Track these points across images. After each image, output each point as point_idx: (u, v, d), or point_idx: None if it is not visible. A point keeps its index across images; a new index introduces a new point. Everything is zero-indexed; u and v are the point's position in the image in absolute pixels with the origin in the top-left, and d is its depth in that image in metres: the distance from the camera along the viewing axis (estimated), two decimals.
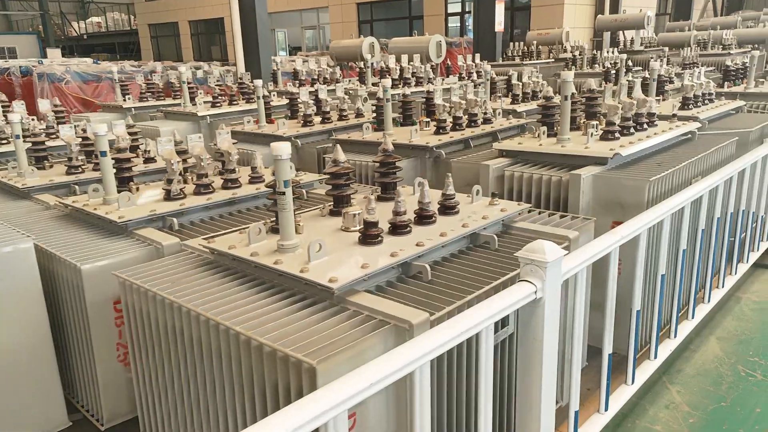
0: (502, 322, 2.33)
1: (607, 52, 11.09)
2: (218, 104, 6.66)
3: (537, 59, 13.02)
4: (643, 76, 5.44)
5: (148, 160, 4.09)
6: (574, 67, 10.98)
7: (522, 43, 13.75)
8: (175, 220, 2.97)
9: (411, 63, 8.32)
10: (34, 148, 4.14)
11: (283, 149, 2.15)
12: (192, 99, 6.74)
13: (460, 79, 8.77)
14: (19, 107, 5.42)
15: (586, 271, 2.33)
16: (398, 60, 8.46)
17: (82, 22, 37.25)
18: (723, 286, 3.98)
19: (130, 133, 4.37)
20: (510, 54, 13.44)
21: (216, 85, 7.48)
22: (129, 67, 13.15)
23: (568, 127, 3.74)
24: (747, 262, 4.36)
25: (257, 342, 1.81)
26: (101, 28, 36.91)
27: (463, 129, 4.62)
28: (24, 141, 4.02)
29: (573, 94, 4.12)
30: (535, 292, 1.98)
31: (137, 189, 3.33)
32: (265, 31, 12.83)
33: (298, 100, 5.56)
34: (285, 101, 6.16)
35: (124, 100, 7.50)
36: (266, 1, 12.96)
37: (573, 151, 3.58)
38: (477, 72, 9.20)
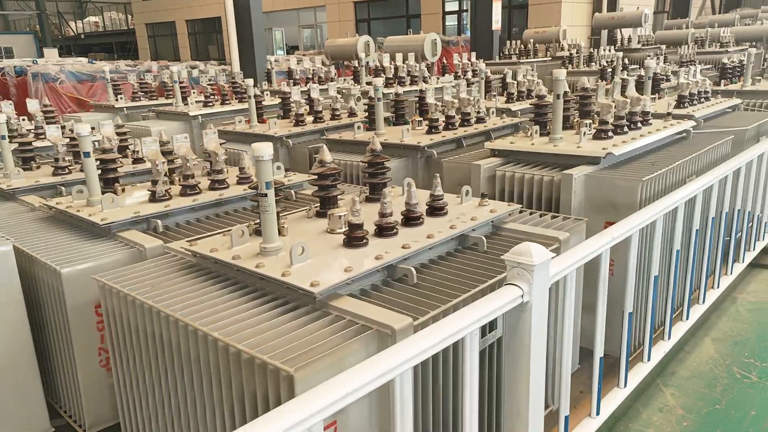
0: (491, 326, 2.28)
1: (604, 50, 11.03)
2: (210, 104, 6.61)
3: (534, 58, 12.97)
4: (638, 75, 5.40)
5: (137, 160, 4.05)
6: (570, 65, 10.93)
7: (519, 41, 13.70)
8: (159, 222, 2.92)
9: (406, 62, 8.26)
10: (21, 149, 4.08)
11: (265, 150, 2.10)
12: (184, 99, 6.68)
13: (456, 77, 8.71)
14: (6, 107, 5.36)
15: (575, 273, 2.28)
16: (393, 59, 8.40)
17: (80, 22, 37.17)
18: (718, 287, 3.93)
19: (119, 133, 4.32)
20: (507, 52, 13.39)
21: (208, 85, 7.42)
22: (124, 67, 13.08)
23: (561, 126, 3.69)
24: (743, 262, 4.32)
25: (235, 348, 1.76)
26: (99, 28, 36.85)
27: (456, 128, 4.57)
28: (11, 141, 3.97)
29: (566, 92, 4.08)
30: (522, 296, 1.94)
31: (123, 190, 3.28)
32: (260, 30, 12.77)
33: (291, 99, 5.51)
34: (278, 101, 6.11)
35: (117, 100, 7.45)
36: (261, 0, 12.91)
37: (565, 151, 3.53)
38: (473, 71, 9.15)
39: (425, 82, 7.79)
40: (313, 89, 5.53)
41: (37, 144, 4.50)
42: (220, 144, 3.54)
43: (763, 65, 10.69)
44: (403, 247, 2.27)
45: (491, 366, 2.35)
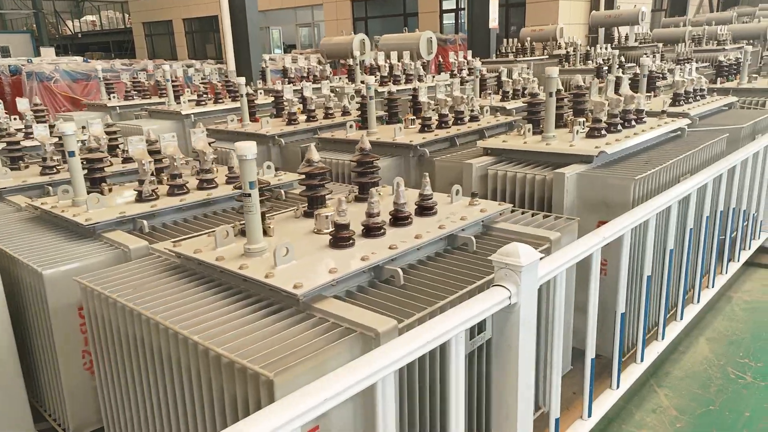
0: (480, 327, 2.25)
1: (601, 48, 10.99)
2: (203, 103, 6.56)
3: (531, 56, 12.93)
4: (633, 73, 5.36)
5: (127, 160, 4.00)
6: (567, 63, 10.89)
7: (516, 39, 13.66)
8: (145, 222, 2.88)
9: (401, 60, 8.22)
10: (9, 149, 4.04)
11: (248, 149, 2.06)
12: (177, 98, 6.63)
13: (452, 76, 8.67)
14: None
15: (565, 274, 2.24)
16: (388, 57, 8.36)
17: (77, 21, 37.05)
18: (713, 286, 3.90)
19: (109, 133, 4.28)
20: (504, 51, 13.35)
21: (201, 83, 7.37)
22: (120, 66, 13.01)
23: (553, 124, 3.65)
24: (738, 260, 4.28)
25: (215, 352, 1.72)
26: (96, 27, 36.72)
27: (449, 127, 4.53)
28: None
29: (560, 90, 4.04)
30: (509, 298, 1.90)
31: (110, 190, 3.24)
32: (255, 29, 12.72)
33: (284, 98, 5.46)
34: (272, 99, 6.06)
35: (109, 99, 7.40)
36: None
37: (557, 149, 3.49)
38: (469, 69, 9.11)
39: (420, 80, 7.74)
40: (306, 88, 5.48)
41: (26, 143, 4.44)
42: (210, 143, 3.50)
43: (760, 63, 10.66)
44: (390, 248, 2.23)
45: (481, 367, 2.32)
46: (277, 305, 2.01)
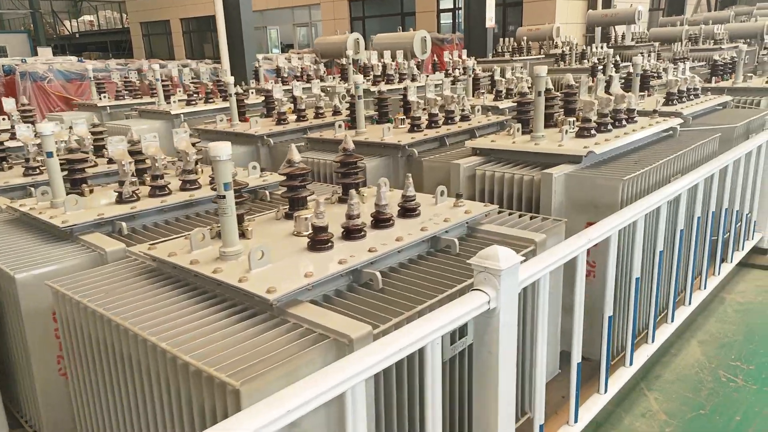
0: (461, 332, 2.20)
1: (596, 47, 10.94)
2: (193, 102, 6.51)
3: (527, 55, 12.88)
4: (627, 72, 5.31)
5: (113, 160, 3.94)
6: (563, 62, 10.84)
7: (512, 39, 13.61)
8: (124, 224, 2.82)
9: (395, 60, 8.16)
10: None
11: (222, 150, 2.01)
12: (167, 97, 6.58)
13: (446, 75, 8.62)
14: None
15: (549, 277, 2.19)
16: (381, 56, 8.30)
17: (74, 21, 36.95)
18: (705, 288, 3.85)
19: (95, 133, 4.22)
20: (500, 50, 13.30)
21: (191, 83, 7.31)
22: (114, 65, 12.94)
23: (542, 124, 3.60)
24: (731, 261, 4.23)
25: (183, 360, 1.67)
26: (93, 27, 36.63)
27: (439, 126, 4.47)
28: None
29: (550, 90, 3.99)
30: (489, 302, 1.85)
31: (91, 191, 3.19)
32: (249, 28, 12.66)
33: (274, 97, 5.41)
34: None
35: (100, 99, 7.35)
36: None
37: (546, 149, 3.43)
38: (464, 68, 9.05)
39: (413, 80, 7.69)
40: (296, 87, 5.43)
41: (11, 144, 4.39)
42: (194, 143, 3.45)
43: (756, 62, 10.61)
44: (369, 251, 2.18)
45: (463, 373, 2.27)
46: (250, 310, 1.96)
